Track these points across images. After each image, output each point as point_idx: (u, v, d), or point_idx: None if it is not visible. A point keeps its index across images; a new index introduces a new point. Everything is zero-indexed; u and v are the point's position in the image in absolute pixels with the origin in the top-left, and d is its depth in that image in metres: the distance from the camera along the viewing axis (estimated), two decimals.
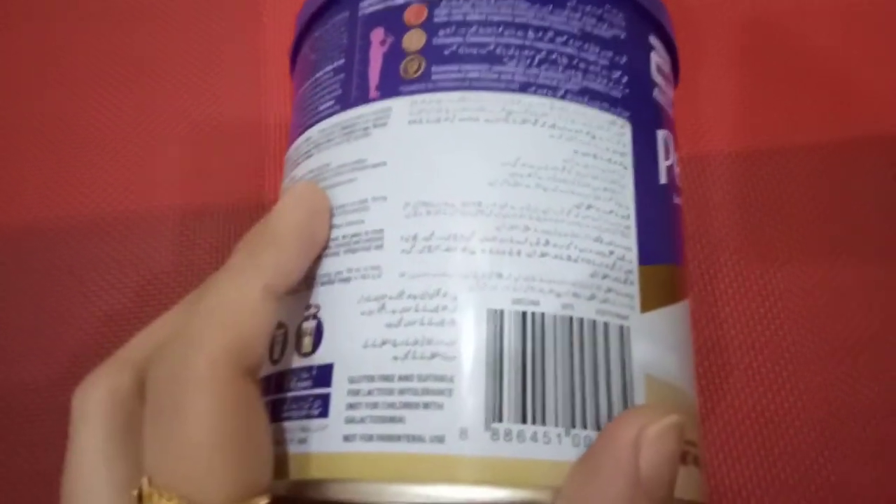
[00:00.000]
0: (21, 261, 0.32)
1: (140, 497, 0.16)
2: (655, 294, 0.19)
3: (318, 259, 0.19)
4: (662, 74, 0.22)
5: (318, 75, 0.22)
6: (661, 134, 0.21)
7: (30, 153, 0.34)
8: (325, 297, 0.19)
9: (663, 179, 0.21)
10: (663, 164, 0.21)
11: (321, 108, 0.21)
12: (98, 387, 0.19)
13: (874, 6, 0.35)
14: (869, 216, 0.32)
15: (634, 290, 0.18)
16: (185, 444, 0.15)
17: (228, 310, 0.17)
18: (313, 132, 0.21)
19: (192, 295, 0.20)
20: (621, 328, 0.18)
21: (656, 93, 0.21)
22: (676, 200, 0.21)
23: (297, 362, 0.19)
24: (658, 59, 0.22)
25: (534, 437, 0.16)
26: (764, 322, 0.30)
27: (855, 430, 0.29)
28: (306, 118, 0.22)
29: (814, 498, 0.28)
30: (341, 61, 0.21)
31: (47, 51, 0.36)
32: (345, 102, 0.20)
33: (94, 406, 0.18)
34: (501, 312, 0.17)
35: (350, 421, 0.17)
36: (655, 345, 0.18)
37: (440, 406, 0.17)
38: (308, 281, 0.19)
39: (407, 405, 0.17)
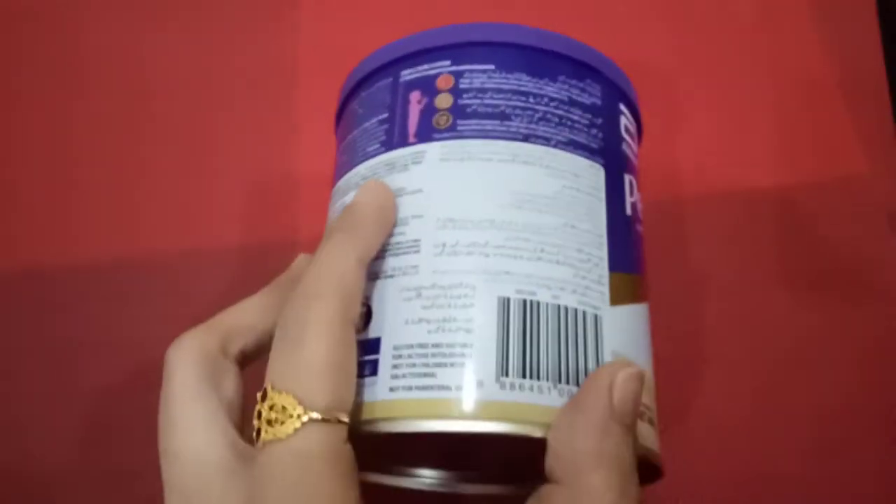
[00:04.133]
0: (74, 287, 0.37)
1: (264, 395, 0.21)
2: (621, 293, 0.25)
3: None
4: (629, 133, 0.29)
5: (365, 125, 0.28)
6: (627, 177, 0.28)
7: (81, 190, 0.40)
8: (374, 290, 0.25)
9: (628, 211, 0.27)
10: (628, 200, 0.27)
11: (369, 149, 0.28)
12: (190, 343, 0.23)
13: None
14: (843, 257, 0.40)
15: (605, 289, 0.25)
16: (303, 364, 0.21)
17: (337, 273, 0.22)
18: (362, 168, 0.28)
19: (280, 278, 0.25)
20: (595, 315, 0.24)
21: (624, 146, 0.28)
22: (638, 228, 0.28)
23: None
24: (626, 121, 0.29)
25: (531, 388, 0.22)
26: (748, 341, 0.38)
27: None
28: (355, 157, 0.28)
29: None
30: (385, 115, 0.28)
31: (113, 98, 0.42)
32: (388, 145, 0.27)
33: (185, 354, 0.23)
34: (508, 300, 0.23)
35: (394, 377, 0.23)
36: (620, 330, 0.24)
37: (462, 365, 0.22)
38: None
39: (438, 365, 0.22)
